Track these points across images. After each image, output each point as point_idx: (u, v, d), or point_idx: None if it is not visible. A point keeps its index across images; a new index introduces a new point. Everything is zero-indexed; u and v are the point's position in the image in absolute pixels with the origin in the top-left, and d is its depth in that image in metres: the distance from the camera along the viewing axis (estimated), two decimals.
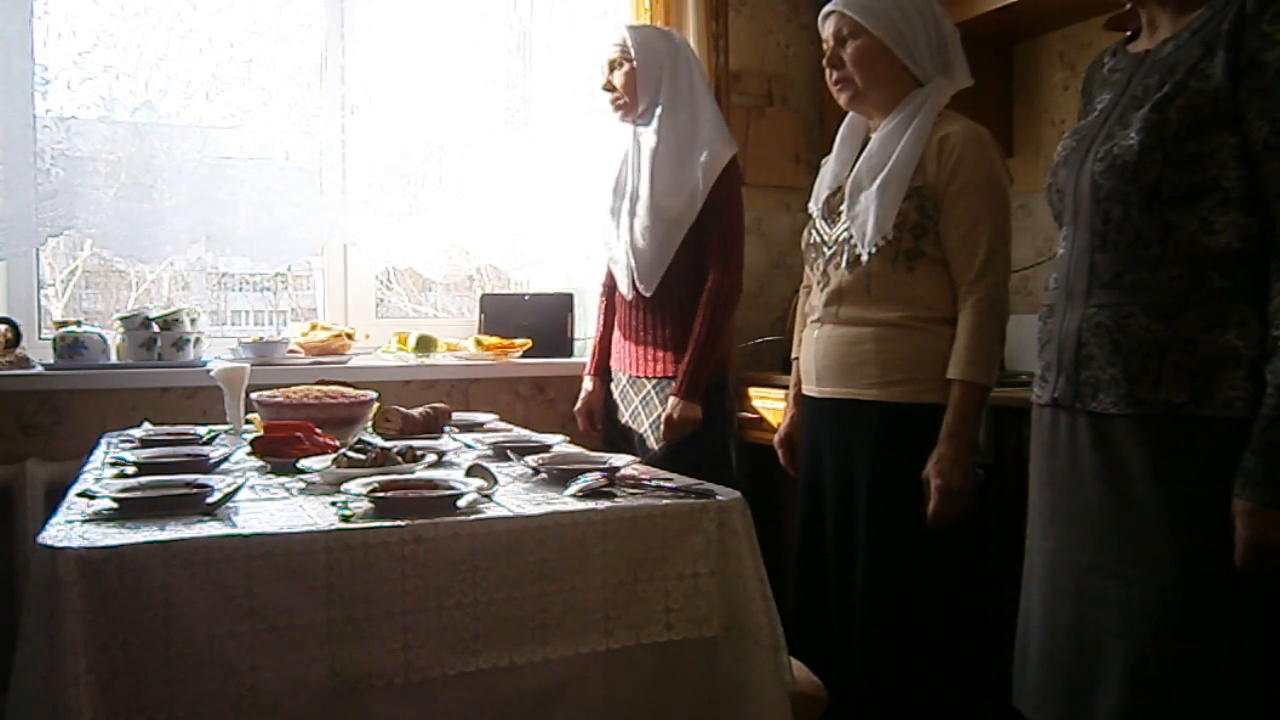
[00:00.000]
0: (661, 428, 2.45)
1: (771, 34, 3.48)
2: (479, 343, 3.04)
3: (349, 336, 2.96)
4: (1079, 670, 1.54)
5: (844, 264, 2.02)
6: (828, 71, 2.07)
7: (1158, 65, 1.49)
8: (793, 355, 2.30)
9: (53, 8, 2.70)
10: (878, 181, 1.97)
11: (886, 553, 1.96)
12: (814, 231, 2.15)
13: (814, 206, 2.18)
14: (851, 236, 2.01)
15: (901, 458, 1.95)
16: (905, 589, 1.95)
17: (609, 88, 2.54)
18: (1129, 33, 1.64)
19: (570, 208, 3.14)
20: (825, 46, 2.07)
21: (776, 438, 2.33)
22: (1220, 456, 1.37)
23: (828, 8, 2.05)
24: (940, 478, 1.90)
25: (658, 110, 2.51)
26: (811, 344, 2.12)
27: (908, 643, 1.96)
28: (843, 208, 2.05)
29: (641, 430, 2.55)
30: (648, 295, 2.53)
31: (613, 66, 2.54)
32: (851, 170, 2.06)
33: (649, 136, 2.54)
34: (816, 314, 2.11)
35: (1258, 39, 1.36)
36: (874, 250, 1.96)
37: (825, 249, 2.09)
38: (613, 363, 2.69)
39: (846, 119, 2.18)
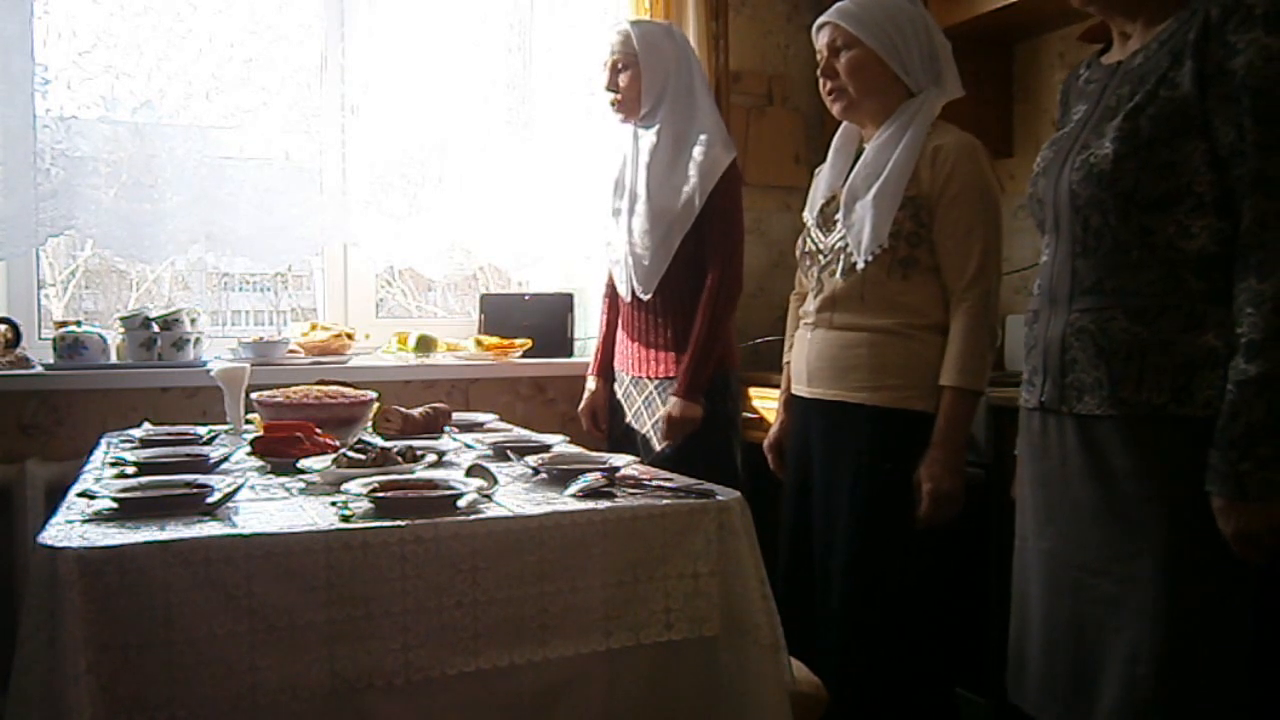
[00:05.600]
0: (662, 427, 2.46)
1: (771, 34, 3.48)
2: (479, 343, 3.04)
3: (349, 336, 2.96)
4: (1080, 668, 1.55)
5: (839, 272, 2.04)
6: (821, 81, 2.10)
7: (1129, 76, 1.53)
8: (784, 360, 2.31)
9: (53, 8, 2.70)
10: (873, 191, 1.99)
11: (866, 554, 1.98)
12: (808, 239, 2.17)
13: (809, 215, 2.20)
14: (847, 245, 2.03)
15: (887, 461, 1.97)
16: (882, 590, 1.97)
17: (613, 88, 2.54)
18: (1103, 45, 1.68)
19: (570, 208, 3.14)
20: (819, 57, 2.10)
21: (766, 442, 2.34)
22: (1201, 454, 1.40)
23: (822, 19, 2.08)
24: (931, 481, 1.92)
25: (659, 112, 2.51)
26: (804, 345, 2.14)
27: (883, 641, 1.97)
28: (837, 216, 2.07)
29: (645, 431, 2.55)
30: (645, 297, 2.53)
31: (616, 67, 2.52)
32: (846, 179, 2.09)
33: (649, 138, 2.53)
34: (810, 318, 2.13)
35: (1222, 48, 1.40)
36: (870, 258, 1.98)
37: (820, 257, 2.11)
38: (616, 363, 2.69)
39: (840, 128, 2.20)
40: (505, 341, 3.06)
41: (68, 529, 1.28)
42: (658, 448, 2.49)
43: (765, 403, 2.88)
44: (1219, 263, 1.42)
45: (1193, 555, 1.42)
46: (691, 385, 2.42)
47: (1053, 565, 1.60)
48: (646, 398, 2.56)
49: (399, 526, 1.33)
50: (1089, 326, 1.52)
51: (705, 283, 2.45)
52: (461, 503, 1.45)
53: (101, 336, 2.67)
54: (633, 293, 2.57)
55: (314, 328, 2.97)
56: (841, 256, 2.04)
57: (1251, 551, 1.37)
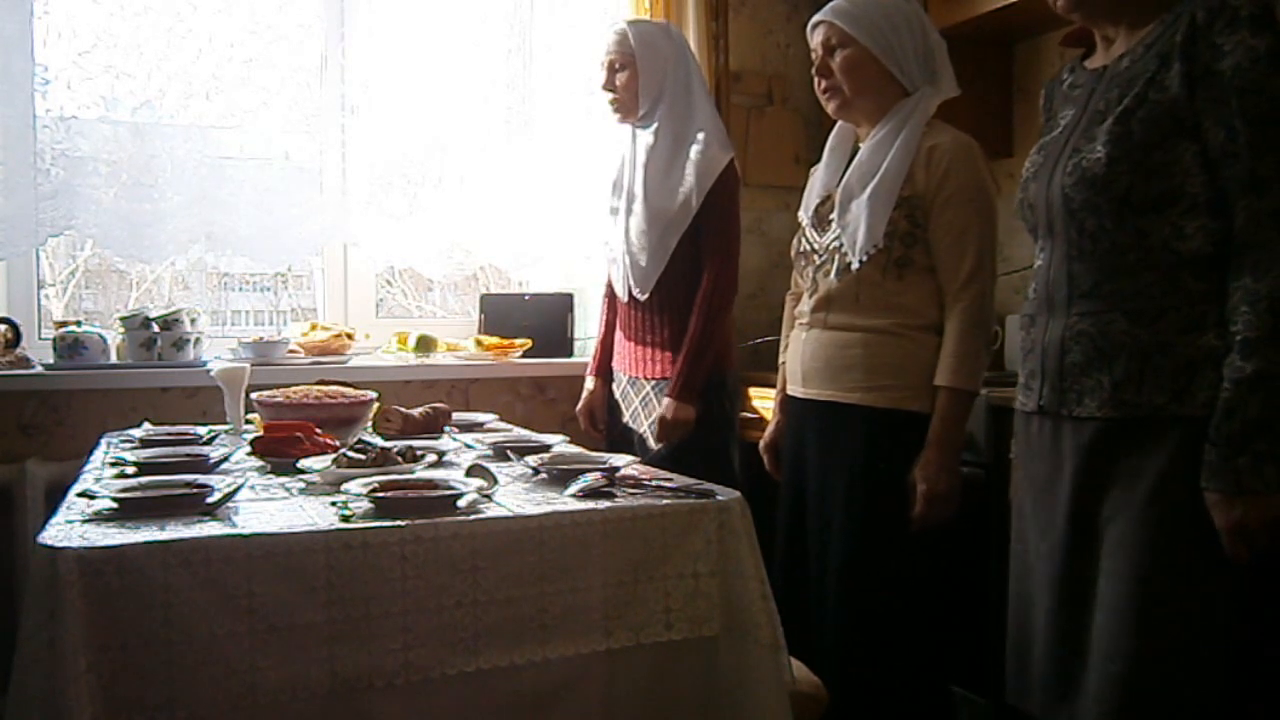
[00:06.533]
0: (656, 428, 2.45)
1: (771, 34, 3.48)
2: (479, 343, 3.05)
3: (349, 336, 2.96)
4: (1078, 671, 1.55)
5: (834, 272, 2.04)
6: (816, 80, 2.10)
7: (1116, 79, 1.53)
8: (780, 360, 2.31)
9: (53, 8, 2.70)
10: (868, 190, 1.99)
11: (861, 555, 1.98)
12: (803, 239, 2.17)
13: (804, 215, 2.19)
14: (842, 245, 2.03)
15: (881, 462, 1.97)
16: (877, 590, 1.97)
17: (610, 88, 2.54)
18: (1084, 49, 1.68)
19: (570, 208, 3.14)
20: (814, 55, 2.09)
21: (762, 443, 2.33)
22: (1197, 452, 1.41)
23: (816, 17, 2.08)
24: (926, 483, 1.92)
25: (657, 112, 2.51)
26: (799, 346, 2.13)
27: (877, 642, 1.97)
28: (832, 216, 2.07)
29: (642, 431, 2.55)
30: (642, 297, 2.53)
31: (613, 66, 2.52)
32: (841, 179, 2.08)
33: (646, 137, 2.53)
34: (805, 319, 2.13)
35: (1209, 50, 1.41)
36: (865, 259, 1.98)
37: (815, 257, 2.10)
38: (614, 363, 2.69)
39: (836, 128, 2.19)
40: (505, 341, 3.06)
41: (68, 529, 1.28)
42: (654, 447, 2.49)
43: (765, 403, 2.88)
44: (1215, 263, 1.43)
45: (1177, 554, 1.43)
46: (685, 386, 2.41)
47: (1053, 569, 1.60)
48: (644, 398, 2.55)
49: (399, 526, 1.33)
50: (1089, 329, 1.52)
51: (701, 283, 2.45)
52: (461, 503, 1.45)
53: (101, 336, 2.67)
54: (630, 293, 2.56)
55: (314, 328, 2.97)
56: (836, 257, 2.04)
57: (1242, 547, 1.38)
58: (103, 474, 1.69)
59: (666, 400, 2.43)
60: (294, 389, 2.11)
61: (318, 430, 1.88)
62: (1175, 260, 1.45)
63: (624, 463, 1.73)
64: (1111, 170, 1.47)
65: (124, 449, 1.97)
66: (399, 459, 1.67)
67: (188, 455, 1.79)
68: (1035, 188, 1.62)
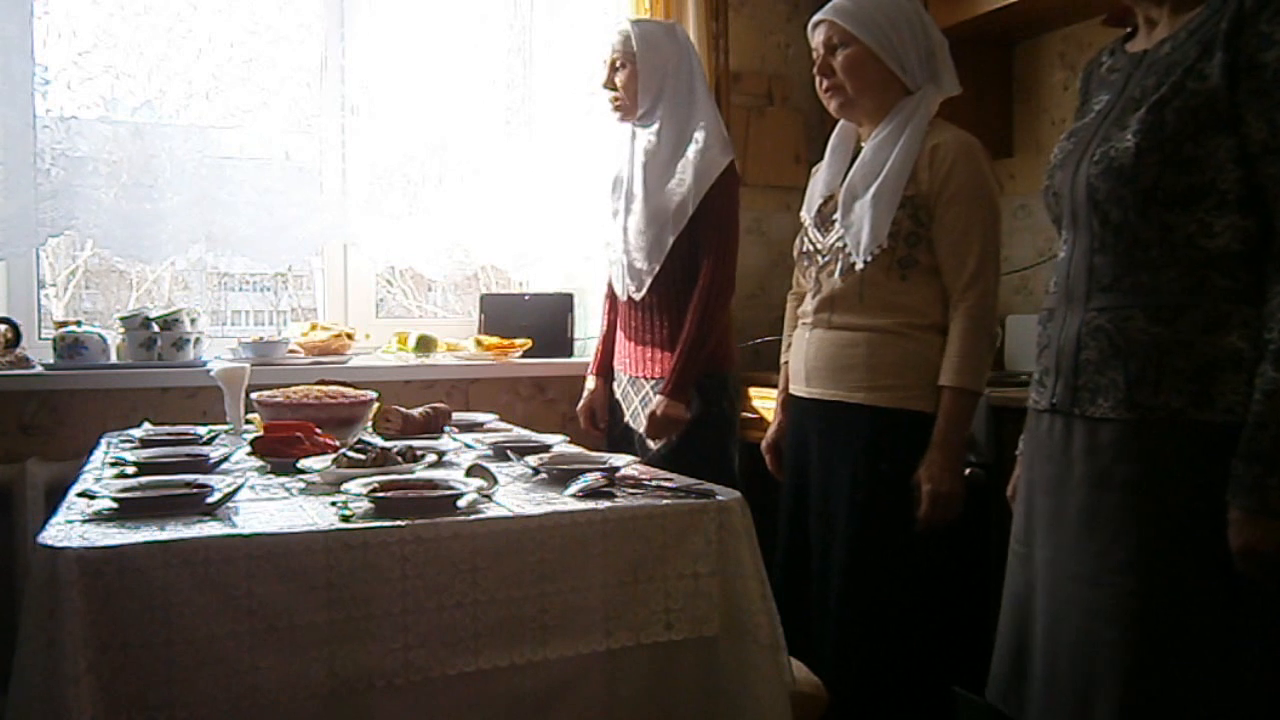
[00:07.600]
0: (645, 425, 2.45)
1: (771, 34, 3.48)
2: (479, 343, 3.05)
3: (349, 336, 2.96)
4: (1080, 682, 1.51)
5: (837, 271, 2.03)
6: (818, 79, 2.09)
7: (1155, 66, 1.47)
8: (782, 360, 2.30)
9: (53, 8, 2.71)
10: (872, 190, 1.98)
11: (864, 554, 1.97)
12: (806, 239, 2.16)
13: (806, 215, 2.19)
14: (845, 244, 2.02)
15: (884, 462, 1.97)
16: (880, 590, 1.97)
17: (610, 86, 2.53)
18: (1127, 30, 1.61)
19: (570, 208, 3.14)
20: (815, 55, 2.08)
21: (764, 443, 2.33)
22: (1220, 460, 1.35)
23: (817, 16, 2.07)
24: (931, 483, 1.92)
25: (657, 112, 2.51)
26: (802, 345, 2.13)
27: (878, 641, 1.97)
28: (835, 216, 2.06)
29: (642, 431, 2.54)
30: (639, 297, 2.53)
31: (614, 65, 2.52)
32: (844, 179, 2.07)
33: (647, 137, 2.53)
34: (808, 318, 2.12)
35: (1256, 39, 1.34)
36: (869, 259, 1.97)
37: (819, 257, 2.10)
38: (615, 362, 2.69)
39: (838, 127, 2.19)
40: (505, 341, 3.06)
41: (68, 529, 1.28)
42: (654, 447, 2.48)
43: (765, 403, 2.87)
44: (1244, 261, 1.37)
45: (1200, 564, 1.38)
46: (677, 385, 2.40)
47: (1056, 575, 1.55)
48: (643, 397, 2.55)
49: (399, 526, 1.33)
50: (1106, 326, 1.46)
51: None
52: (461, 503, 1.45)
53: (101, 336, 2.67)
54: (628, 292, 2.57)
55: (314, 328, 2.97)
56: (840, 256, 2.04)
57: (1255, 568, 1.33)
58: (103, 474, 1.69)
59: (657, 398, 2.43)
60: (294, 389, 2.11)
61: (318, 430, 1.88)
62: (1201, 257, 1.38)
63: (624, 463, 1.73)
64: (1140, 161, 1.40)
65: (124, 449, 1.97)
66: (399, 459, 1.67)
67: (188, 455, 1.79)
68: (1061, 176, 1.56)
